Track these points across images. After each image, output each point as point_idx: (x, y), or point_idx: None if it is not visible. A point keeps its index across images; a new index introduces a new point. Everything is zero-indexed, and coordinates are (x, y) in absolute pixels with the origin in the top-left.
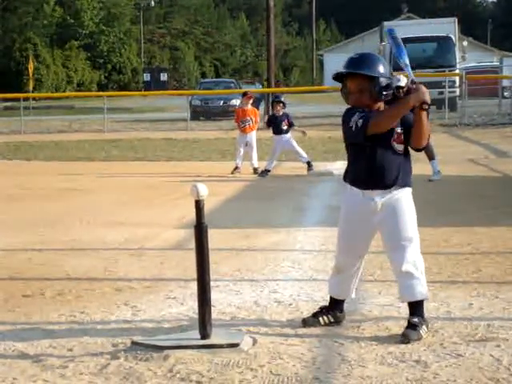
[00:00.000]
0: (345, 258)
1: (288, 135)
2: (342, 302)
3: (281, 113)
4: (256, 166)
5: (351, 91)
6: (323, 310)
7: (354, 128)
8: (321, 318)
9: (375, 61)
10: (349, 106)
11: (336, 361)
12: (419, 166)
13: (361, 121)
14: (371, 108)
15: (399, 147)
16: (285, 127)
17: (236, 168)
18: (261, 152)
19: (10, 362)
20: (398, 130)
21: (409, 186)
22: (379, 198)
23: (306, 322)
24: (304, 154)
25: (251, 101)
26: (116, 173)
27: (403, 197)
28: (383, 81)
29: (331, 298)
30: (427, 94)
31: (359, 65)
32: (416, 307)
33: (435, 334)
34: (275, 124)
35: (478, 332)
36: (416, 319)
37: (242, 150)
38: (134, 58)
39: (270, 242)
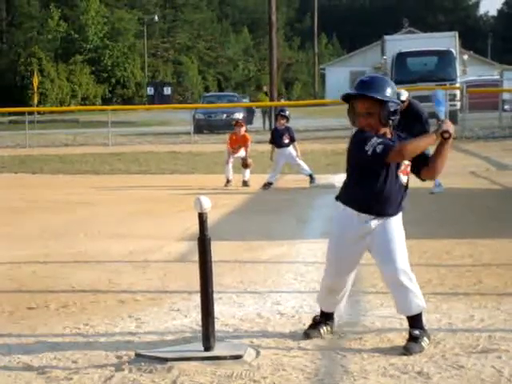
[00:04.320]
0: (337, 279)
1: (290, 148)
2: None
3: (283, 126)
4: (246, 179)
5: (360, 113)
6: (321, 322)
7: (370, 152)
8: (321, 330)
9: (385, 84)
10: (356, 128)
11: (338, 372)
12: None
13: (381, 146)
14: (378, 132)
15: (404, 179)
16: (286, 141)
17: (228, 181)
18: (263, 166)
19: (15, 374)
20: (406, 161)
21: (402, 210)
22: (374, 221)
23: (308, 335)
24: (306, 167)
25: (243, 128)
26: (120, 186)
27: (396, 222)
28: (392, 105)
29: (322, 311)
30: (451, 127)
31: (370, 87)
32: (415, 319)
33: (437, 346)
34: (276, 137)
35: (479, 343)
36: (417, 331)
37: (230, 164)
38: (138, 73)
39: (272, 254)
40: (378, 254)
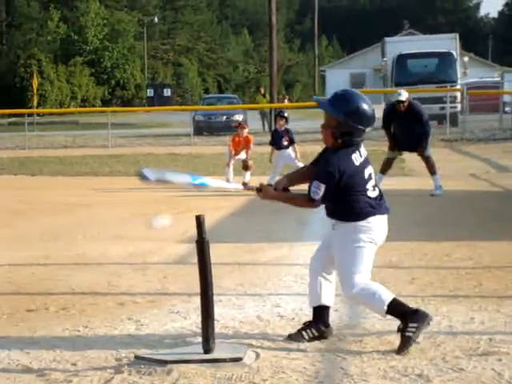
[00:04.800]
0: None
1: (289, 150)
2: (324, 313)
3: (283, 128)
4: (246, 181)
5: (322, 124)
6: (307, 325)
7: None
8: (304, 333)
9: (352, 104)
10: None
11: (338, 375)
12: (421, 180)
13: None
14: (329, 146)
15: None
16: (285, 143)
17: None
18: (263, 167)
19: (14, 377)
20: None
21: (352, 221)
22: (333, 223)
23: (291, 338)
24: None
25: (246, 129)
26: (120, 188)
27: (345, 231)
28: (346, 128)
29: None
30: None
31: (333, 102)
32: (396, 315)
33: (437, 348)
34: (276, 138)
35: (479, 346)
36: (405, 331)
37: (231, 166)
38: (138, 74)
39: (272, 256)
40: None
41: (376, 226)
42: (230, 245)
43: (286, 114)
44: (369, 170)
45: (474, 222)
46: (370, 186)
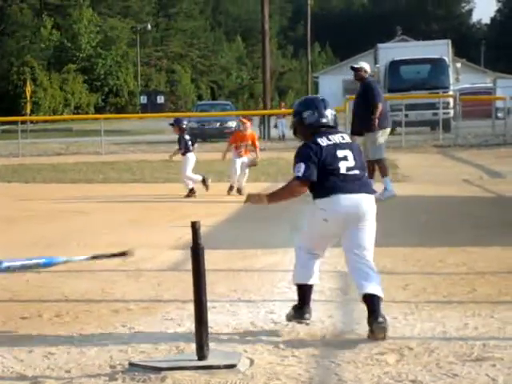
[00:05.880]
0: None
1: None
2: (309, 297)
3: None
4: (241, 186)
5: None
6: (295, 308)
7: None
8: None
9: (305, 106)
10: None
11: (333, 381)
12: (414, 186)
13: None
14: (303, 139)
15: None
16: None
17: (231, 188)
18: (256, 173)
19: None
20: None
21: (317, 198)
22: None
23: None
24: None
25: (248, 124)
26: (113, 195)
27: (312, 206)
28: (295, 124)
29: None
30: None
31: (298, 103)
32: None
33: (431, 354)
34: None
35: (473, 352)
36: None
37: (238, 170)
38: (131, 81)
39: (266, 262)
40: None
41: (337, 204)
42: (223, 251)
43: (175, 123)
44: (343, 153)
45: (468, 227)
46: (343, 165)
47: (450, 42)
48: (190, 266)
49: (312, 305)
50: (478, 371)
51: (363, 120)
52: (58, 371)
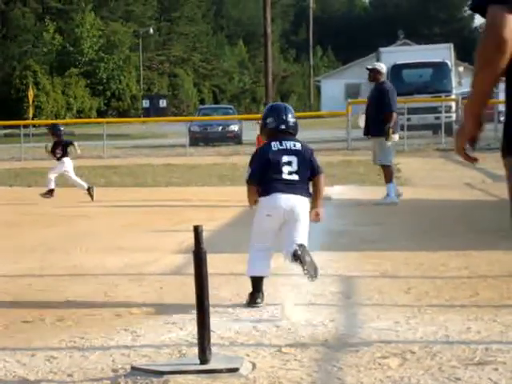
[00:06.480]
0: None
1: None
2: (261, 286)
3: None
4: None
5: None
6: (249, 296)
7: None
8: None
9: (269, 113)
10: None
11: None
12: (416, 190)
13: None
14: (265, 140)
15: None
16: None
17: None
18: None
19: None
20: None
21: (262, 196)
22: None
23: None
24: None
25: None
26: (115, 199)
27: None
28: (260, 127)
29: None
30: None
31: (265, 109)
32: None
33: (433, 358)
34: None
35: (476, 355)
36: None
37: None
38: (133, 85)
39: None
40: None
41: (275, 202)
42: (226, 255)
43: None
44: (289, 158)
45: (470, 231)
46: (285, 170)
47: (452, 45)
48: (192, 269)
49: (315, 309)
50: (481, 375)
51: (374, 123)
52: (61, 375)
